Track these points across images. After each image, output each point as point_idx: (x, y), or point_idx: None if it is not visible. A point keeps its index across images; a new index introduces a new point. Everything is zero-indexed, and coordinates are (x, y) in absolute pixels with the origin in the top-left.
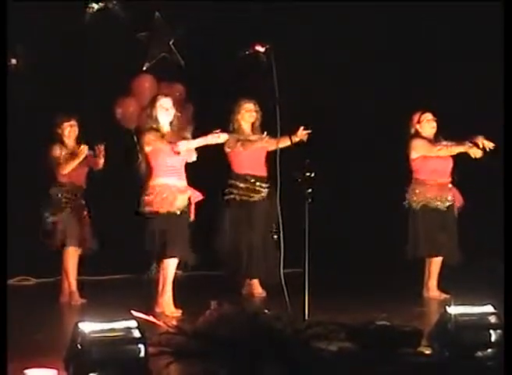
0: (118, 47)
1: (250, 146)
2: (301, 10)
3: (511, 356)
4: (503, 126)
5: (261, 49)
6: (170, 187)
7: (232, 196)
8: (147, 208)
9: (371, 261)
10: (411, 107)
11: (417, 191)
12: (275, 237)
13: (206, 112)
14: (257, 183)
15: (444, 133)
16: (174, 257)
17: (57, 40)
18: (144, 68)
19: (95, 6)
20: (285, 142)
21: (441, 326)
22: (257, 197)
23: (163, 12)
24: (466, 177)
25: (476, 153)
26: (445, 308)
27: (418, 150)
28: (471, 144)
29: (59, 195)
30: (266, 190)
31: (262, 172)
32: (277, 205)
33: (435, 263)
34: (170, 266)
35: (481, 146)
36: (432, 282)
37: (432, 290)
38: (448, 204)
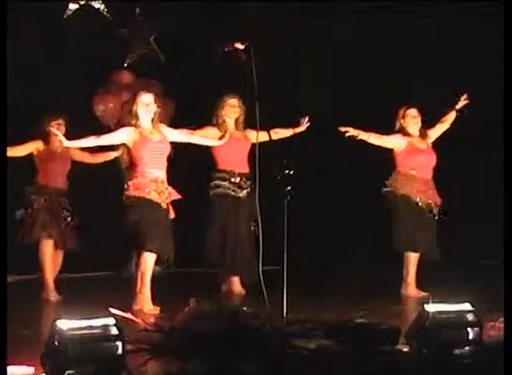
0: (101, 43)
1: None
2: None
3: (511, 356)
4: (502, 126)
5: (241, 47)
6: (157, 179)
7: (215, 192)
8: (135, 193)
9: (350, 258)
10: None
11: (399, 179)
12: (256, 232)
13: (186, 108)
14: (241, 180)
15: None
16: (153, 251)
17: (41, 36)
18: (125, 64)
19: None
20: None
21: (419, 324)
22: (240, 193)
23: (144, 9)
24: (450, 174)
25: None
26: (423, 306)
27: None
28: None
29: (34, 195)
30: (249, 187)
31: (245, 169)
32: (256, 202)
33: (413, 261)
34: (148, 261)
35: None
36: (411, 280)
37: (411, 288)
38: (428, 201)
